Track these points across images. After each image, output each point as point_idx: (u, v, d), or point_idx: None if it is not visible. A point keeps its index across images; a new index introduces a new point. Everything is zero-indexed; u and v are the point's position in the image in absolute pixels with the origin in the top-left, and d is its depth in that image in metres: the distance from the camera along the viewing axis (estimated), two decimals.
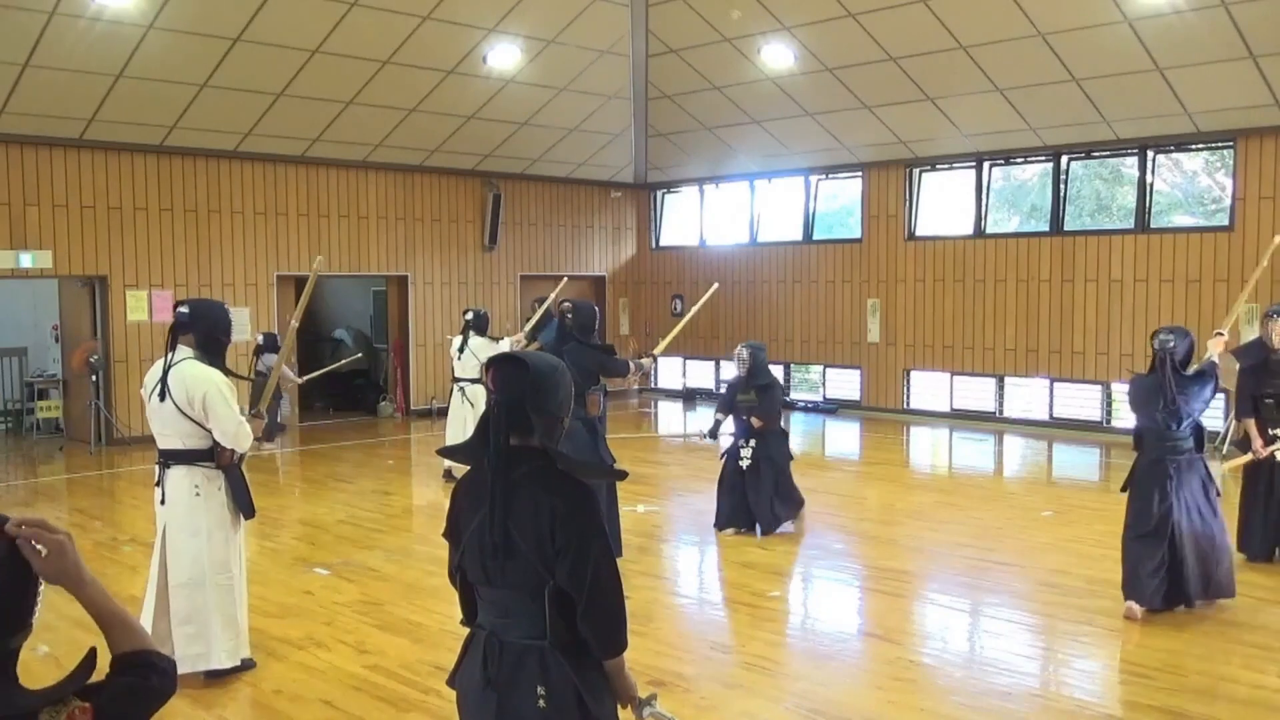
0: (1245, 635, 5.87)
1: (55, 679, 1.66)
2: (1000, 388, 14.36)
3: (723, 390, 8.65)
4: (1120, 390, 12.74)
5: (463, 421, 10.41)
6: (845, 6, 11.96)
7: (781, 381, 8.49)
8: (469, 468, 2.75)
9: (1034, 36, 11.39)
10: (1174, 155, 13.38)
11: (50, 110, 11.75)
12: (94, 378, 12.50)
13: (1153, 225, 12.99)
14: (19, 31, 10.43)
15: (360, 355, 15.17)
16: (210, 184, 13.61)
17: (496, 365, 2.64)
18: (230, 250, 13.79)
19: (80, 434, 13.11)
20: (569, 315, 7.37)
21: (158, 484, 5.12)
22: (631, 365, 7.52)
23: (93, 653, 1.71)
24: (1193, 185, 14.20)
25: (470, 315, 10.72)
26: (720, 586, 7.35)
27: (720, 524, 8.31)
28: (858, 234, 15.61)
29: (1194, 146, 12.94)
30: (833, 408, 15.55)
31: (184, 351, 5.01)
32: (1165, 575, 5.98)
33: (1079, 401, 13.52)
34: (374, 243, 15.23)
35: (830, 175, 16.04)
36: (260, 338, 12.97)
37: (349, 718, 4.82)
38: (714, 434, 8.48)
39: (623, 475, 3.00)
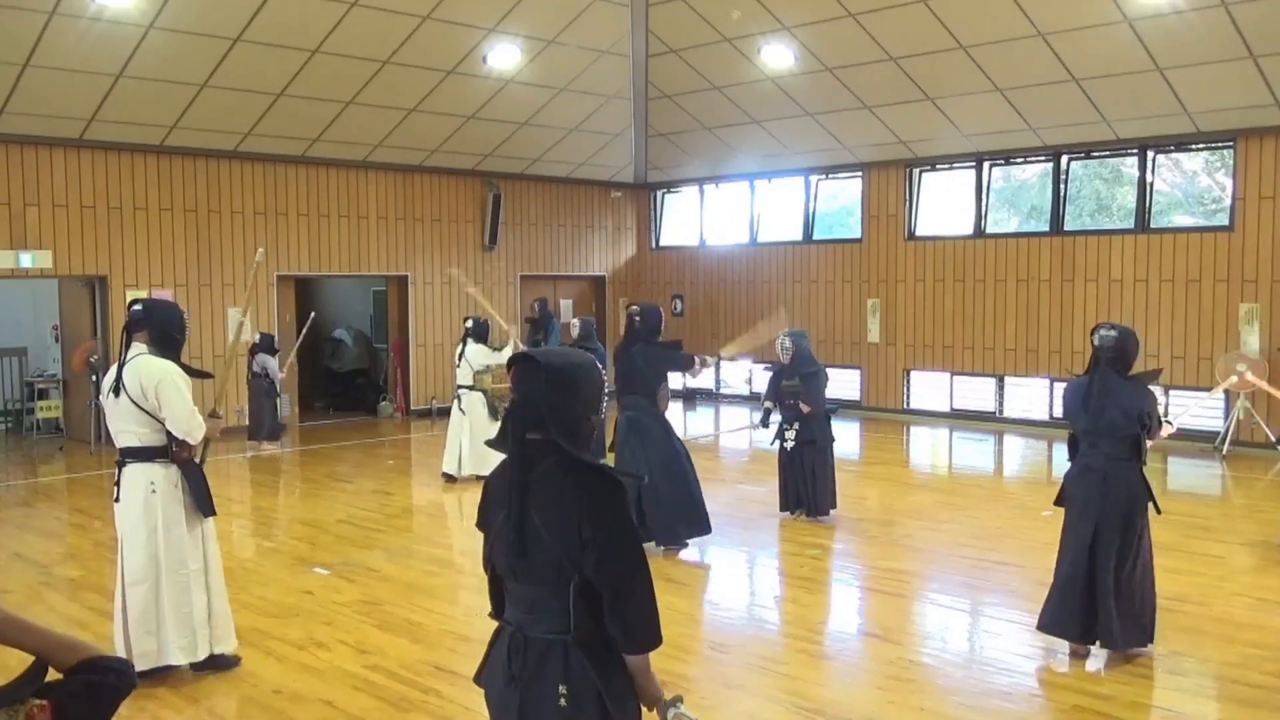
0: (1245, 635, 5.87)
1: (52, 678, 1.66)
2: (1000, 388, 14.35)
3: (767, 376, 9.03)
4: None
5: (457, 426, 10.49)
6: (845, 6, 11.96)
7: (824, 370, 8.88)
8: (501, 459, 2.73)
9: (1034, 36, 11.39)
10: (1174, 155, 13.38)
11: (50, 110, 11.75)
12: (94, 378, 12.47)
13: (1153, 225, 12.99)
14: (19, 31, 10.43)
15: (342, 341, 15.22)
16: (210, 184, 13.61)
17: (516, 363, 2.63)
18: (230, 250, 13.78)
19: (80, 434, 13.11)
20: (637, 318, 7.73)
21: (116, 483, 5.13)
22: (696, 361, 7.84)
23: None
24: (1193, 185, 14.20)
25: (470, 323, 10.83)
26: (720, 587, 7.34)
27: (784, 506, 8.76)
28: (858, 234, 15.61)
29: (1194, 146, 12.94)
30: (833, 408, 15.42)
31: (138, 348, 5.05)
32: (1086, 602, 5.40)
33: None
34: (374, 243, 15.23)
35: (830, 175, 16.03)
36: (257, 337, 12.98)
37: (349, 718, 4.82)
38: (765, 422, 8.86)
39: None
